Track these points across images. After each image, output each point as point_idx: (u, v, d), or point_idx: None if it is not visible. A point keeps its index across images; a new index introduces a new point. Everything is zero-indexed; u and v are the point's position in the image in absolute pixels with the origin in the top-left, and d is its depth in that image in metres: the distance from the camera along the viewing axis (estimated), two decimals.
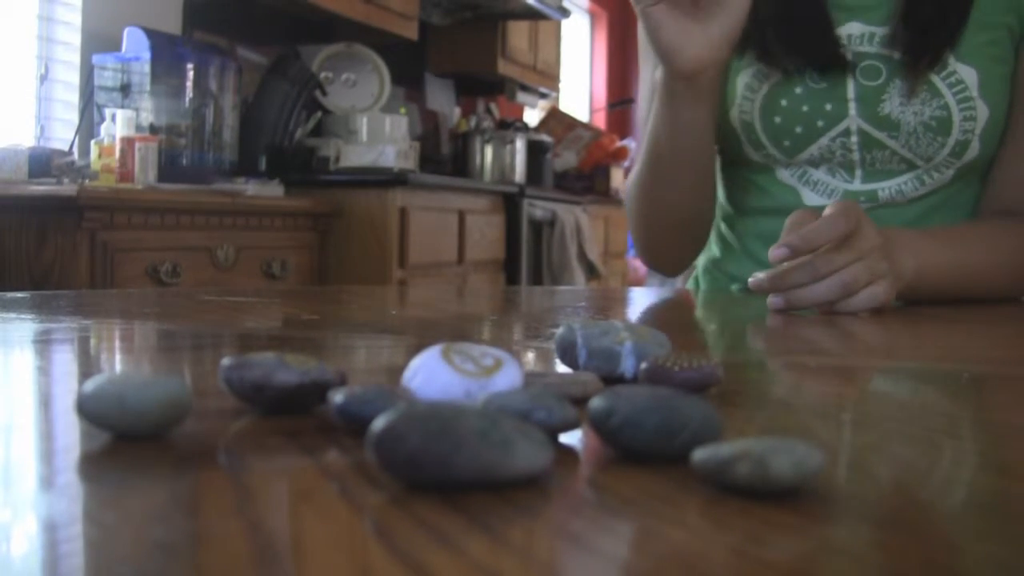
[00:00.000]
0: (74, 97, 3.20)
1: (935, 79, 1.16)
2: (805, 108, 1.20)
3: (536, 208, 4.41)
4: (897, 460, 0.37)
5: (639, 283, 6.52)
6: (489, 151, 4.66)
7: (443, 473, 0.29)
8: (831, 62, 1.19)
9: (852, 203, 1.00)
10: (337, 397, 0.37)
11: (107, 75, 3.07)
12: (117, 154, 2.83)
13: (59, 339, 0.71)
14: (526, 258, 4.35)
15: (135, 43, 3.07)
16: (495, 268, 4.23)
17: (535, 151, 4.85)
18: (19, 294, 1.11)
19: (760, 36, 1.20)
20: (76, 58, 3.20)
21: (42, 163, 2.73)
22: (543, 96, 6.00)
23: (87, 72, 3.13)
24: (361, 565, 0.24)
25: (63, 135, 3.17)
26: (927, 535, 0.27)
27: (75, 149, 3.05)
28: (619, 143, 5.80)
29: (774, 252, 0.94)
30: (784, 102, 1.21)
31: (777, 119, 1.22)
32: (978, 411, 0.50)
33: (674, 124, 1.17)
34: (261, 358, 0.41)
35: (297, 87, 3.63)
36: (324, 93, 3.95)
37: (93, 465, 0.34)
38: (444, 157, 4.86)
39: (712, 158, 1.25)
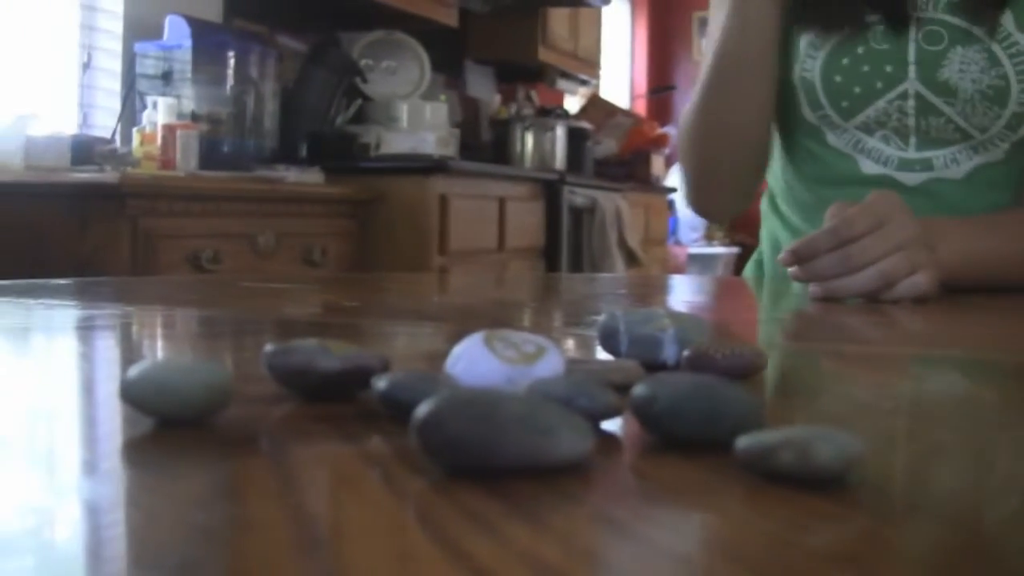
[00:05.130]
0: (116, 85, 3.23)
1: (996, 47, 1.15)
2: (865, 68, 1.20)
3: (576, 195, 4.40)
4: (941, 450, 0.36)
5: (679, 271, 6.51)
6: (529, 138, 4.66)
7: (485, 458, 0.29)
8: (899, 19, 1.19)
9: (889, 193, 1.00)
10: (380, 383, 0.37)
11: (149, 63, 3.09)
12: (159, 141, 2.85)
13: (101, 325, 0.72)
14: (566, 245, 4.34)
15: (176, 31, 3.08)
16: (535, 255, 4.23)
17: (575, 138, 4.84)
18: (61, 280, 1.12)
19: None
20: (118, 46, 3.22)
21: (84, 150, 2.75)
22: (583, 83, 5.99)
23: (129, 60, 3.15)
24: (402, 550, 0.24)
25: (105, 123, 3.20)
26: (971, 526, 0.27)
27: (117, 137, 3.07)
28: (659, 130, 5.79)
29: (781, 256, 0.98)
30: (846, 60, 1.20)
31: (838, 78, 1.21)
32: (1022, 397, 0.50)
33: (744, 24, 1.20)
34: (303, 344, 0.41)
35: (337, 74, 3.64)
36: (364, 80, 3.96)
37: (136, 451, 0.34)
38: (484, 144, 4.85)
39: (774, 77, 1.25)
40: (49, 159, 2.66)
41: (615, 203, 4.63)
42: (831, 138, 1.25)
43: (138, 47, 3.11)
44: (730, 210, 1.37)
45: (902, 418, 0.42)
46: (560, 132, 4.71)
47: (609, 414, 0.35)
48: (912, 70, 1.18)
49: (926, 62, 1.18)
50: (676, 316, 0.50)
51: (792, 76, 1.23)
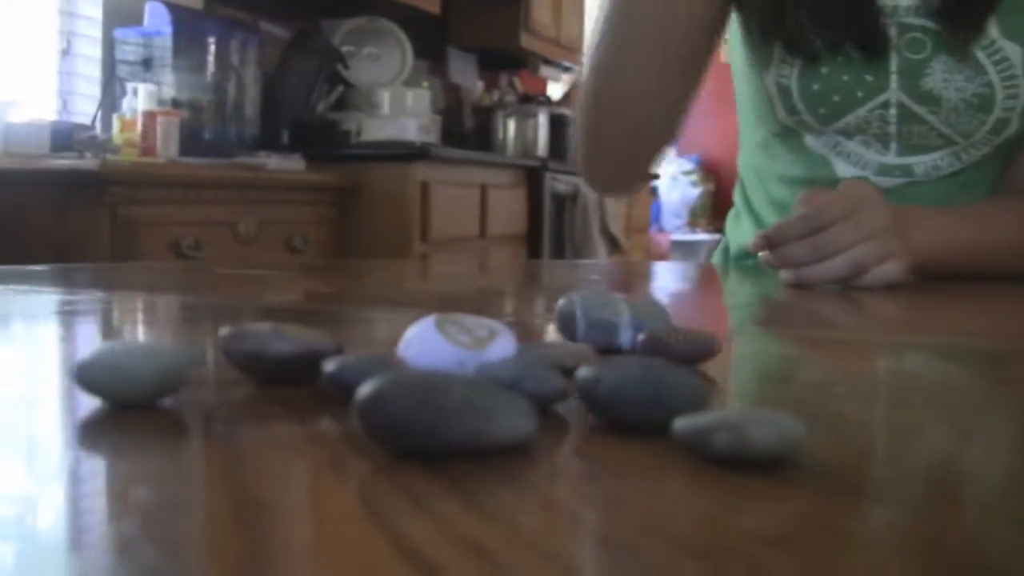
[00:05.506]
0: (96, 71, 3.21)
1: (980, 55, 1.13)
2: (845, 77, 1.17)
3: (559, 182, 4.41)
4: (887, 432, 0.37)
5: (662, 258, 6.52)
6: (512, 125, 4.66)
7: (426, 440, 0.30)
8: (871, 39, 1.16)
9: (862, 183, 1.01)
10: (329, 366, 0.37)
11: (129, 49, 3.08)
12: (139, 128, 2.85)
13: (76, 311, 0.72)
14: (548, 232, 4.35)
15: (157, 17, 3.07)
16: (517, 242, 4.23)
17: (558, 125, 4.83)
18: (39, 267, 1.12)
19: (794, 16, 1.16)
20: (98, 32, 3.21)
21: (64, 137, 2.74)
22: (567, 70, 5.98)
23: (109, 46, 3.13)
24: (340, 531, 0.24)
25: (86, 110, 3.19)
26: (911, 510, 0.27)
27: (97, 123, 3.06)
28: None
29: (753, 241, 0.98)
30: (825, 69, 1.17)
31: (816, 86, 1.18)
32: (980, 383, 0.50)
33: None
34: (258, 329, 0.41)
35: (319, 61, 3.64)
36: (346, 67, 3.95)
37: (88, 432, 0.34)
38: (467, 131, 4.85)
39: (680, 52, 1.16)
40: (28, 146, 2.65)
41: None
42: (808, 139, 1.23)
43: (118, 33, 3.10)
44: (618, 186, 1.31)
45: (855, 402, 0.42)
46: (543, 119, 4.71)
47: (556, 397, 0.36)
48: (894, 79, 1.16)
49: (908, 71, 1.15)
50: (633, 301, 0.50)
51: (766, 80, 1.21)
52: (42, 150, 2.67)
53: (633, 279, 1.24)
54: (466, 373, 0.36)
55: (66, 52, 3.16)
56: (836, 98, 1.18)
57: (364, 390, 0.30)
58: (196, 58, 3.13)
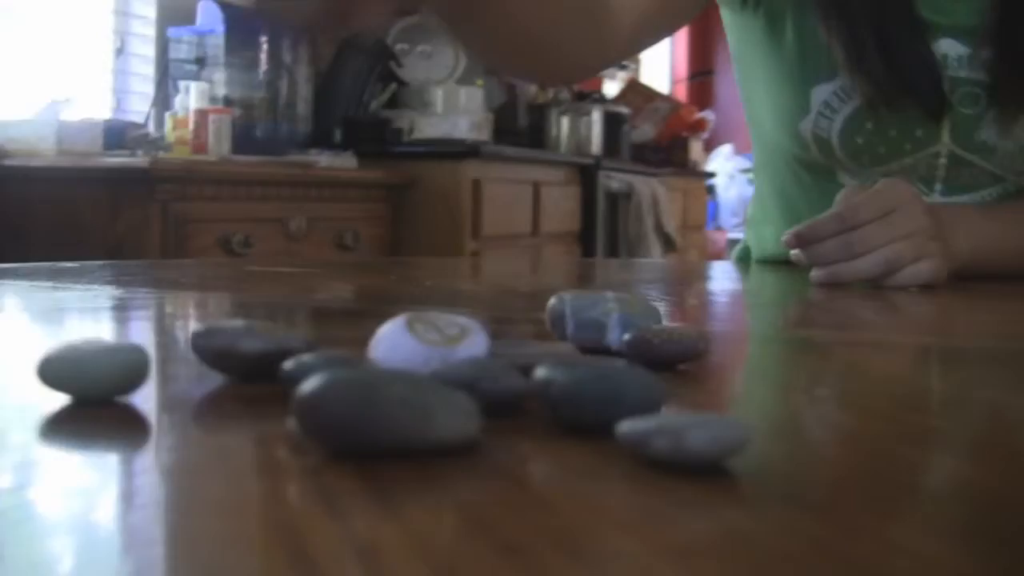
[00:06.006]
0: (150, 70, 3.25)
1: None
2: (893, 133, 1.12)
3: (613, 180, 4.39)
4: (851, 440, 0.36)
5: (719, 256, 6.48)
6: (565, 123, 4.64)
7: (361, 440, 0.29)
8: (933, 100, 1.09)
9: (900, 182, 0.99)
10: (287, 364, 0.36)
11: (182, 48, 3.10)
12: (191, 126, 2.87)
13: (121, 307, 0.72)
14: (602, 230, 4.33)
15: (209, 16, 3.09)
16: (571, 240, 4.22)
17: (612, 123, 4.81)
18: (91, 263, 1.12)
19: (864, 76, 1.09)
20: (152, 31, 3.24)
21: (117, 135, 2.77)
22: (622, 68, 5.96)
23: (162, 45, 3.16)
24: (235, 530, 0.24)
25: (140, 108, 3.22)
26: (844, 521, 0.26)
27: (151, 122, 3.09)
28: (698, 115, 5.75)
29: (785, 237, 0.96)
30: (870, 124, 1.12)
31: (859, 140, 1.12)
32: (963, 388, 0.49)
33: None
34: (229, 326, 0.41)
35: (372, 59, 3.65)
36: (399, 65, 3.96)
37: (49, 427, 0.34)
38: (520, 129, 4.84)
39: None
40: (81, 144, 2.68)
41: (652, 188, 4.60)
42: (841, 176, 1.17)
43: (172, 32, 3.13)
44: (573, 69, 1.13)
45: (828, 406, 0.41)
46: (596, 117, 4.69)
47: (514, 397, 0.35)
48: (946, 134, 1.11)
49: (962, 125, 1.10)
50: (625, 300, 0.49)
51: (799, 127, 1.15)
52: (95, 148, 2.70)
53: (690, 278, 1.23)
54: (415, 372, 0.35)
55: (120, 51, 3.20)
56: (882, 150, 1.13)
57: (302, 389, 0.30)
58: (248, 56, 3.15)
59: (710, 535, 0.24)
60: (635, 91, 5.58)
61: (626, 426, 0.29)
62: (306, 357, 0.36)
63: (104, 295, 0.78)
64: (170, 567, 0.22)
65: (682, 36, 7.65)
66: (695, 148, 5.59)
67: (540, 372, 0.34)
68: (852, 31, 1.09)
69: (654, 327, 0.46)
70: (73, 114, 2.81)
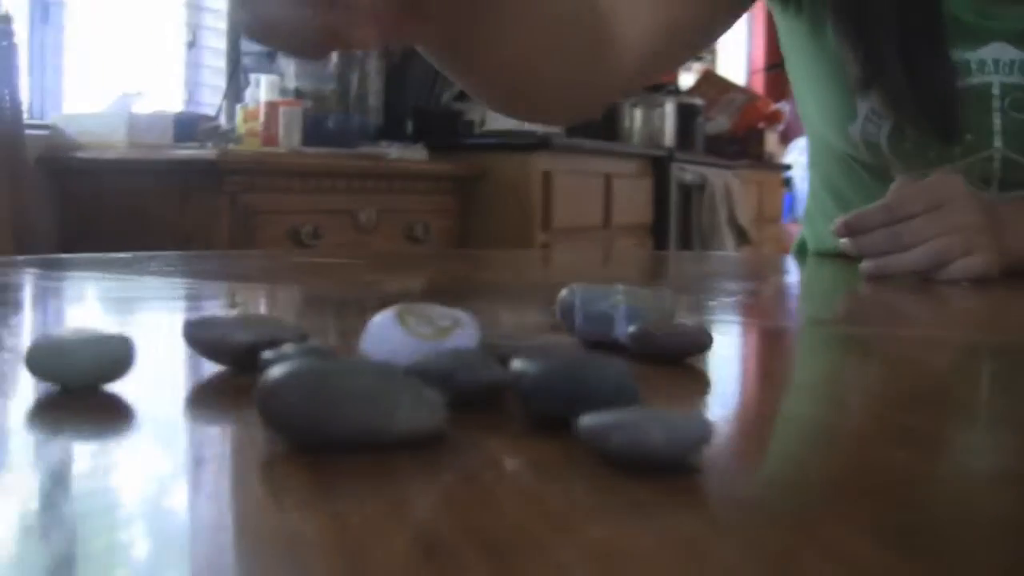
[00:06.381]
0: (222, 63, 3.28)
1: None
2: None
3: (686, 172, 4.35)
4: (829, 440, 0.35)
5: None
6: (638, 115, 4.61)
7: (318, 432, 0.29)
8: (946, 123, 1.07)
9: (953, 176, 0.97)
10: (265, 354, 0.36)
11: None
12: (261, 118, 2.89)
13: (191, 298, 0.72)
14: (674, 223, 4.30)
15: None
16: (643, 233, 4.19)
17: (686, 114, 4.77)
18: (162, 253, 1.14)
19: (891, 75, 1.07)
20: (223, 24, 3.27)
21: (188, 128, 2.80)
22: (697, 59, 5.91)
23: (234, 38, 3.19)
24: (182, 520, 0.24)
25: (212, 101, 3.25)
26: (798, 528, 0.25)
27: (222, 114, 3.12)
28: (774, 106, 5.69)
29: (834, 226, 0.95)
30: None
31: (907, 145, 1.10)
32: (970, 389, 0.47)
33: None
34: (222, 317, 0.41)
35: None
36: None
37: (36, 413, 0.34)
38: (593, 121, 4.82)
39: None
40: (152, 136, 2.71)
41: (726, 180, 4.56)
42: (896, 174, 1.12)
43: None
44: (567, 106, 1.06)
45: (815, 404, 0.40)
46: (669, 108, 4.65)
47: (491, 389, 0.34)
48: (998, 139, 1.08)
49: (1014, 130, 1.08)
50: (635, 292, 0.48)
51: (849, 131, 1.13)
52: (165, 140, 2.74)
53: (764, 271, 1.21)
54: (387, 363, 0.35)
55: (192, 44, 3.23)
56: (931, 154, 1.10)
57: (265, 380, 0.29)
58: None
59: (646, 538, 0.23)
60: (710, 82, 5.54)
61: (586, 420, 0.28)
62: (286, 348, 0.36)
63: (148, 286, 0.79)
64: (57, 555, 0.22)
65: (759, 27, 7.57)
66: (771, 140, 5.54)
67: (515, 365, 0.33)
68: (871, 47, 1.07)
69: (659, 321, 0.45)
70: (145, 107, 2.84)
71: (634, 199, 4.09)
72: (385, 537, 0.22)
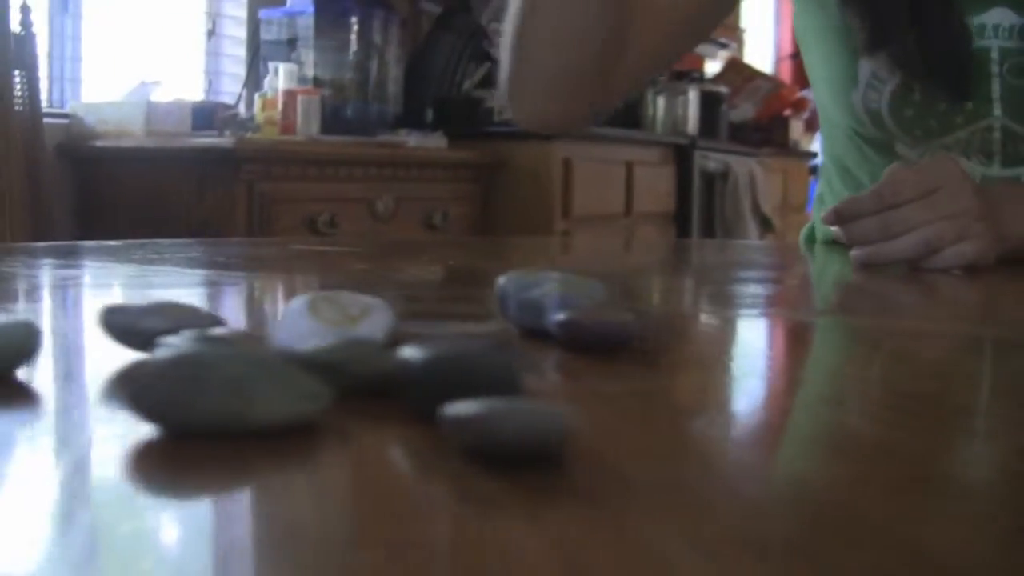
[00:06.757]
0: (242, 52, 3.29)
1: None
2: (942, 106, 1.09)
3: (709, 160, 4.33)
4: (716, 434, 0.34)
5: None
6: (661, 102, 4.58)
7: (180, 420, 0.29)
8: (959, 82, 1.07)
9: (947, 160, 0.96)
10: (160, 340, 0.36)
11: (273, 29, 3.14)
12: (280, 107, 2.89)
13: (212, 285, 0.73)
14: (697, 211, 4.28)
15: None
16: (665, 221, 4.17)
17: (709, 102, 4.75)
18: (123, 241, 1.14)
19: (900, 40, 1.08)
20: (243, 13, 3.28)
21: (206, 116, 2.81)
22: (723, 46, 5.88)
23: (254, 27, 3.20)
24: (46, 505, 0.24)
25: (232, 89, 3.26)
26: (626, 514, 0.25)
27: (242, 103, 3.12)
28: (799, 94, 5.65)
29: (824, 214, 0.94)
30: (918, 95, 1.09)
31: (909, 112, 1.10)
32: (964, 386, 0.46)
33: None
34: (141, 304, 0.41)
35: (464, 38, 3.64)
36: (492, 44, 3.95)
37: None
38: (616, 108, 4.80)
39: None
40: (170, 125, 2.72)
41: (749, 168, 4.54)
42: (900, 148, 1.15)
43: (263, 14, 3.16)
44: (545, 121, 1.21)
45: (746, 396, 0.40)
46: (693, 96, 4.63)
47: (378, 380, 0.34)
48: (997, 106, 1.08)
49: (1012, 96, 1.07)
50: (569, 280, 0.48)
51: (852, 99, 1.13)
52: (183, 129, 2.74)
53: (785, 259, 1.20)
54: (265, 352, 0.35)
55: (212, 33, 3.24)
56: (932, 123, 1.10)
57: (137, 368, 0.29)
58: (338, 37, 3.17)
59: (467, 535, 0.23)
60: (735, 70, 5.50)
61: (447, 411, 0.28)
62: (181, 336, 0.36)
63: (154, 272, 0.79)
64: None
65: (786, 14, 7.52)
66: (796, 128, 5.50)
67: (398, 356, 0.33)
68: (881, 8, 1.07)
69: (591, 309, 0.45)
70: (164, 96, 2.85)
71: (656, 187, 4.07)
72: (194, 535, 0.22)
